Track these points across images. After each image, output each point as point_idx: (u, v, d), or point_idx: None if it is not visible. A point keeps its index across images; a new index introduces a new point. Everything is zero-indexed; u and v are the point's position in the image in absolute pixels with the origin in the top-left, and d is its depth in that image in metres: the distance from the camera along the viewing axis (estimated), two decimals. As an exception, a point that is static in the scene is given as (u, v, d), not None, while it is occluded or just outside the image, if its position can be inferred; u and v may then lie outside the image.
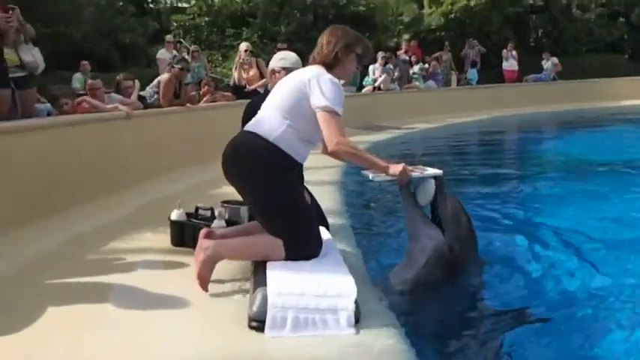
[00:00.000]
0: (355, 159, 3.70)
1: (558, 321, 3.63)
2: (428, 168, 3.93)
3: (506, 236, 5.42)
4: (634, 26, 24.44)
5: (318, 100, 3.52)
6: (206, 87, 10.27)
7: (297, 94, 3.61)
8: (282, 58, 4.68)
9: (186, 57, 11.99)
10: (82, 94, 7.69)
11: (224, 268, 3.85)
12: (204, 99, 9.90)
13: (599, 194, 7.11)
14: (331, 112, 3.52)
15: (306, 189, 4.92)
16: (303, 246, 3.54)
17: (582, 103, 19.03)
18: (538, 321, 3.64)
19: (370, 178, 3.77)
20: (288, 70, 4.39)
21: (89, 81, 8.10)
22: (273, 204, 3.58)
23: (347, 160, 3.78)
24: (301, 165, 3.80)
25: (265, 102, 3.80)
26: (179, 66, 8.79)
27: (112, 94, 7.82)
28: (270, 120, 3.64)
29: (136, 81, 8.67)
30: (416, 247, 3.90)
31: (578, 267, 4.55)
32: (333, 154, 3.62)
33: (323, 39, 3.82)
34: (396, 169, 3.67)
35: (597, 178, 8.22)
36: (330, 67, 3.73)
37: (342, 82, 3.87)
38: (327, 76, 3.62)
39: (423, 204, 3.93)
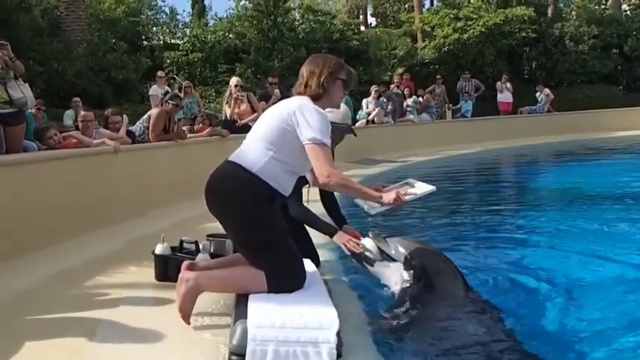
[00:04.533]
0: (347, 190, 3.66)
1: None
2: (417, 183, 3.86)
3: (500, 267, 5.32)
4: (628, 58, 24.57)
5: (305, 133, 3.47)
6: (200, 125, 10.18)
7: (281, 126, 3.56)
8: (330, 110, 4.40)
9: (179, 93, 11.99)
10: (70, 130, 7.64)
11: (208, 300, 3.80)
12: (203, 133, 9.79)
13: (595, 224, 7.02)
14: (320, 143, 3.46)
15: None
16: (285, 279, 3.46)
17: (577, 134, 19.10)
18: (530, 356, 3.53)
19: (366, 209, 3.73)
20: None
21: (82, 112, 8.01)
22: (254, 236, 3.50)
23: (339, 192, 3.71)
24: (284, 196, 3.71)
25: (249, 133, 3.75)
26: (173, 102, 8.66)
27: (100, 129, 7.77)
28: (253, 151, 3.59)
29: (125, 116, 8.60)
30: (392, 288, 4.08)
31: (571, 300, 4.42)
32: (325, 186, 3.57)
33: (305, 70, 3.77)
34: (389, 197, 3.62)
35: (592, 209, 8.15)
36: (316, 98, 3.68)
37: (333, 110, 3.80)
38: (311, 106, 3.57)
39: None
